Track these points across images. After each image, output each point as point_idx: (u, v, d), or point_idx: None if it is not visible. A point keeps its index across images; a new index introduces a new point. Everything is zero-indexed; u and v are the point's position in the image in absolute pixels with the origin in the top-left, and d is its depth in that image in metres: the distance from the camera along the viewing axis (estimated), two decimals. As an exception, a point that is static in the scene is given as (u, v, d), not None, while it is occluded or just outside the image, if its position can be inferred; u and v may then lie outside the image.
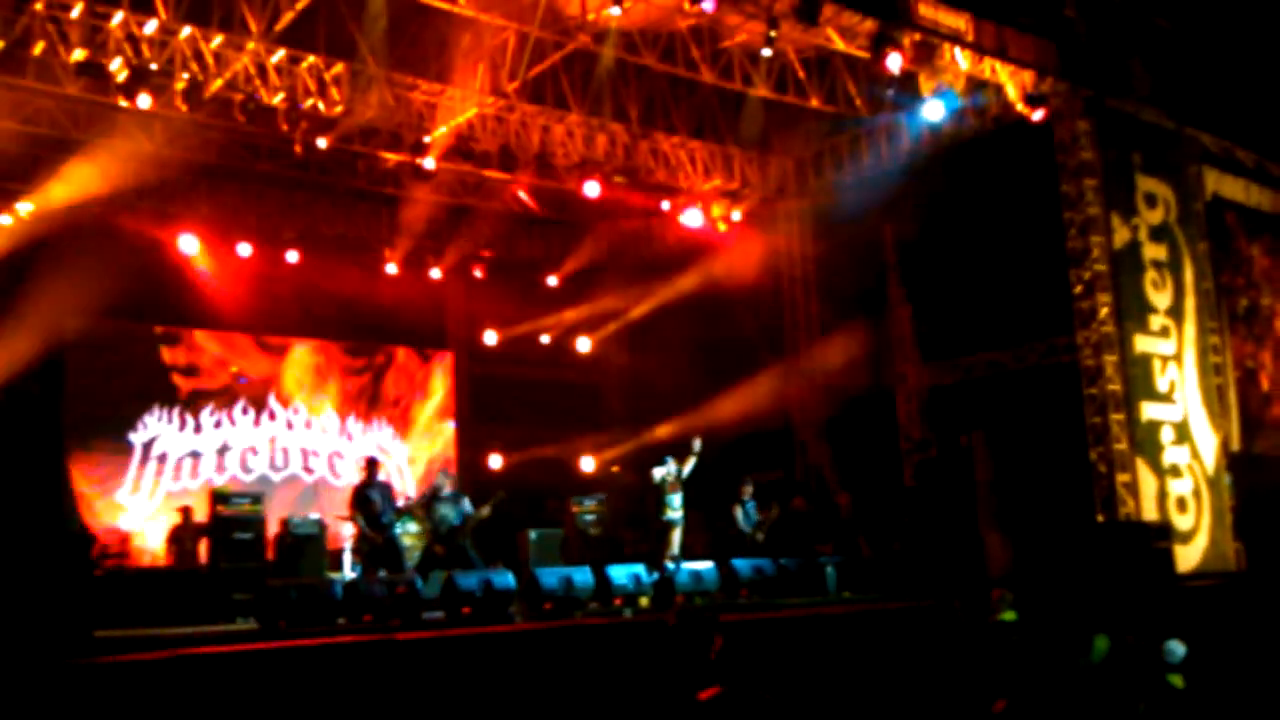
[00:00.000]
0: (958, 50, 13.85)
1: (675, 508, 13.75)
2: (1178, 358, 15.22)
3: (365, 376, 19.30)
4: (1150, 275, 15.13)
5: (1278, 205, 17.74)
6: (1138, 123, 15.45)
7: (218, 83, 13.29)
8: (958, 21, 13.52)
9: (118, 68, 12.45)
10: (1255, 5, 16.39)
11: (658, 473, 13.73)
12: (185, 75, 12.92)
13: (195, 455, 17.22)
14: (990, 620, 10.78)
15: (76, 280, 15.15)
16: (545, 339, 20.86)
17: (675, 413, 19.33)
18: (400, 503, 14.51)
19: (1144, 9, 15.60)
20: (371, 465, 13.55)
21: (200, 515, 14.47)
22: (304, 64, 13.91)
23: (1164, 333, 15.13)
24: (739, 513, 14.83)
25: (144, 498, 16.59)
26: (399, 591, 11.20)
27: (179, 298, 17.19)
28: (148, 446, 16.81)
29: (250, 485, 16.93)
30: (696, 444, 13.79)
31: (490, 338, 20.21)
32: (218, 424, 17.50)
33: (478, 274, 19.86)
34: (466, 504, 13.18)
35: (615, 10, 12.31)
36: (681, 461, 13.74)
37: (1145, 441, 14.49)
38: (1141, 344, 14.76)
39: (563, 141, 16.10)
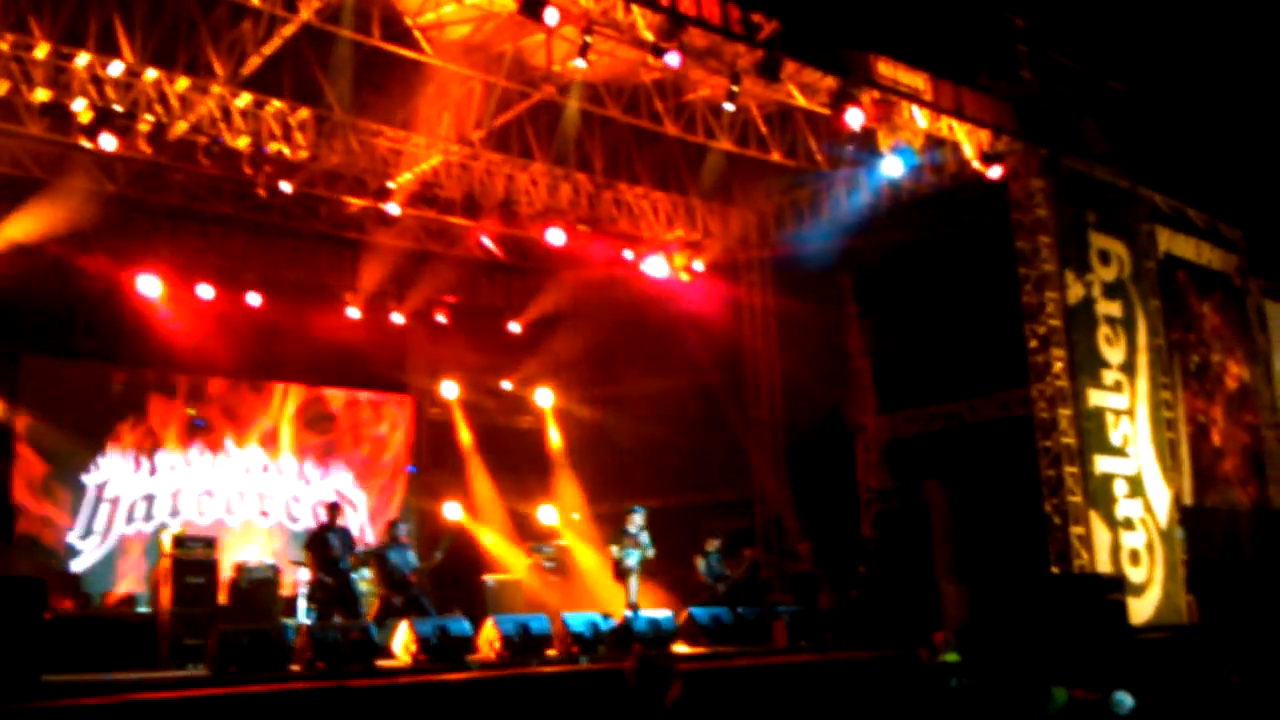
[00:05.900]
0: (916, 108, 14.12)
1: (632, 557, 13.77)
2: (1130, 412, 15.44)
3: (325, 420, 19.16)
4: (1104, 331, 15.37)
5: (1227, 264, 18.11)
6: (1092, 181, 15.76)
7: (182, 125, 13.33)
8: (916, 80, 13.79)
9: (81, 109, 12.47)
10: (1206, 69, 16.87)
11: (629, 535, 13.83)
12: (149, 117, 12.95)
13: (149, 498, 17.02)
14: (935, 662, 10.88)
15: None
16: (507, 385, 20.86)
17: (635, 461, 19.39)
18: (359, 549, 14.41)
19: (1099, 71, 16.00)
20: (333, 510, 13.48)
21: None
22: (269, 108, 13.97)
23: (1117, 387, 15.35)
24: (701, 563, 14.83)
25: (95, 541, 16.36)
26: (353, 637, 11.11)
27: (137, 339, 17.02)
28: (101, 488, 16.60)
29: (204, 529, 16.71)
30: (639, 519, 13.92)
31: (451, 384, 20.15)
32: (172, 467, 17.31)
33: (440, 319, 19.85)
34: (412, 554, 13.20)
35: (580, 63, 12.45)
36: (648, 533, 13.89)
37: (1099, 494, 14.66)
38: (1095, 398, 14.97)
39: (526, 190, 16.21)
